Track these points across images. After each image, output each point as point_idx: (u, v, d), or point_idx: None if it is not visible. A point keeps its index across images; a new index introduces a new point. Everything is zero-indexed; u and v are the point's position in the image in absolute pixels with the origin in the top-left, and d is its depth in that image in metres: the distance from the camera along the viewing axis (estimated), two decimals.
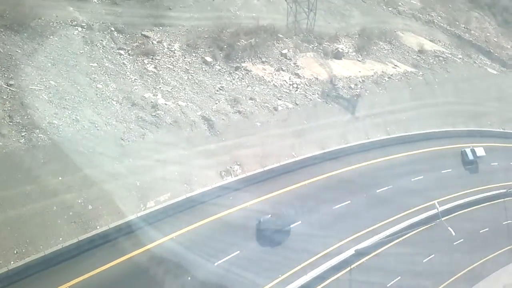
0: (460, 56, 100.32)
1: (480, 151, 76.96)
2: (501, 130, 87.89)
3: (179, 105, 57.99)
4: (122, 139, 51.06)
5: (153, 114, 55.12)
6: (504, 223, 74.94)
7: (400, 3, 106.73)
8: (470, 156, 76.33)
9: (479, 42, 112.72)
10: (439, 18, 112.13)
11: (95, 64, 58.44)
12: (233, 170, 54.32)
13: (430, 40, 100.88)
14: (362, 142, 66.56)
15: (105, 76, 57.59)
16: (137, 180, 49.02)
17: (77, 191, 45.89)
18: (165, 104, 57.07)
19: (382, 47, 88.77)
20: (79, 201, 45.35)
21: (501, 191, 75.37)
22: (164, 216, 47.82)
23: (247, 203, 52.70)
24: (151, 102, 56.38)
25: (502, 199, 76.84)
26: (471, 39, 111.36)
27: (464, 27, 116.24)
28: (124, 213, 45.79)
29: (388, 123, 72.27)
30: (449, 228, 50.14)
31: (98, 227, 44.05)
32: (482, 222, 71.59)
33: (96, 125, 51.22)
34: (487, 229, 71.63)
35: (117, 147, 50.60)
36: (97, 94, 54.56)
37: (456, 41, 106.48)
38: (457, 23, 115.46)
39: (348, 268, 55.22)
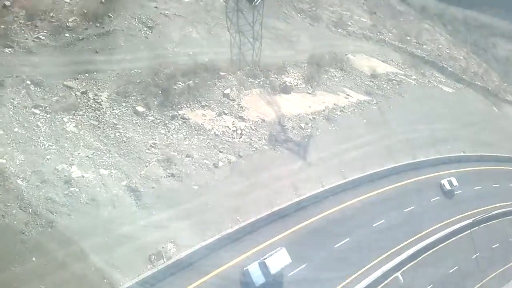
0: (414, 77, 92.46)
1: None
2: (462, 154, 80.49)
3: (100, 175, 47.46)
4: (23, 233, 40.25)
5: (65, 192, 44.38)
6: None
7: (349, 23, 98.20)
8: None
9: (431, 57, 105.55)
10: (390, 35, 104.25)
11: (1, 132, 47.46)
12: (166, 251, 44.25)
13: (383, 61, 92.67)
14: (316, 192, 57.47)
15: (11, 146, 46.67)
16: None
17: None
18: (82, 176, 46.43)
19: (333, 74, 79.90)
20: None
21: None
22: None
23: None
24: (65, 176, 45.67)
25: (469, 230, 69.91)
26: (423, 54, 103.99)
27: (415, 42, 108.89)
28: None
29: (343, 165, 63.39)
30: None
31: None
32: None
33: None
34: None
35: (14, 245, 39.70)
36: None
37: (409, 59, 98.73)
38: (408, 38, 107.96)
39: None
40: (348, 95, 76.82)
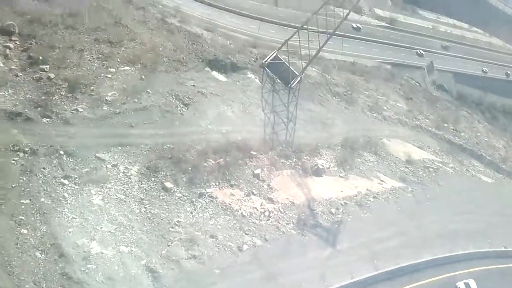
0: (451, 165, 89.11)
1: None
2: (503, 249, 74.78)
3: (119, 252, 45.55)
4: None
5: (82, 269, 42.45)
6: None
7: (385, 108, 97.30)
8: None
9: (469, 145, 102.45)
10: (427, 121, 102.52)
11: (27, 201, 46.81)
12: None
13: (419, 147, 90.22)
14: (345, 284, 53.44)
15: (36, 216, 45.75)
16: None
17: None
18: (101, 253, 44.61)
19: (367, 159, 77.72)
20: None
21: None
22: None
23: None
24: (84, 252, 43.95)
25: None
26: (461, 142, 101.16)
27: (453, 129, 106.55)
28: None
29: (375, 255, 59.43)
30: None
31: None
32: None
33: None
34: None
35: None
36: (17, 244, 42.46)
37: (446, 146, 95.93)
38: (445, 124, 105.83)
39: None
40: (382, 180, 74.03)
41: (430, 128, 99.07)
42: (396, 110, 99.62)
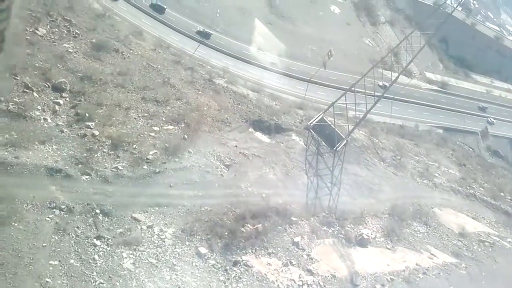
0: (509, 239, 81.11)
1: None
2: None
3: None
4: None
5: None
6: None
7: (436, 174, 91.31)
8: None
9: None
10: (481, 189, 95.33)
11: (56, 262, 44.74)
12: None
13: (473, 218, 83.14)
14: None
15: (62, 279, 43.46)
16: None
17: None
18: None
19: (416, 229, 71.80)
20: None
21: None
22: None
23: None
24: None
25: None
26: None
27: (510, 199, 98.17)
28: None
29: None
30: None
31: None
32: None
33: None
34: None
35: None
36: None
37: (503, 218, 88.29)
38: (502, 194, 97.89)
39: None
40: (432, 254, 67.66)
41: (485, 198, 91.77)
42: (448, 177, 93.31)
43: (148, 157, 59.47)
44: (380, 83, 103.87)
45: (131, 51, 75.21)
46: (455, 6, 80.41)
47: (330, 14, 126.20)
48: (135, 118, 64.33)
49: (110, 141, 59.12)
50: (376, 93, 76.57)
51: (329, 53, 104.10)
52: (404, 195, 79.18)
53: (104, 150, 58.14)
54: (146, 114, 65.53)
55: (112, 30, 77.43)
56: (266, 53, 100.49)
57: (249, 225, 57.84)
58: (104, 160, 57.10)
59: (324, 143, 79.03)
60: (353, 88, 78.01)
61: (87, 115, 60.62)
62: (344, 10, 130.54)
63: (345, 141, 79.55)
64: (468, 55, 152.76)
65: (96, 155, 57.00)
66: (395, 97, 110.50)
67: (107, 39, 74.22)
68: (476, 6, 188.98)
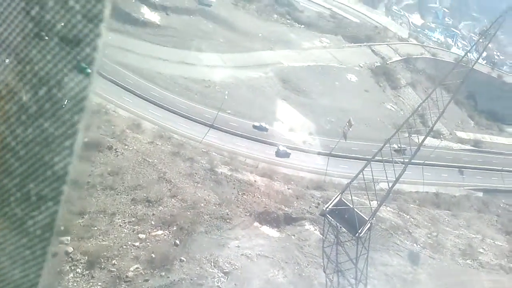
0: None
1: None
2: None
3: None
4: None
5: None
6: None
7: (481, 250, 73.62)
8: None
9: None
10: None
11: None
12: None
13: None
14: None
15: None
16: None
17: None
18: None
19: None
20: None
21: None
22: None
23: None
24: None
25: None
26: None
27: None
28: None
29: None
30: None
31: None
32: None
33: None
34: None
35: None
36: None
37: None
38: None
39: None
40: None
41: None
42: (495, 251, 75.21)
43: (128, 274, 47.05)
44: (396, 146, 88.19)
45: (126, 147, 65.04)
46: (475, 60, 67.04)
47: (347, 83, 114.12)
48: (120, 225, 52.70)
49: (86, 257, 47.49)
50: (404, 159, 62.67)
51: (349, 123, 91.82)
52: (445, 283, 62.50)
53: (78, 270, 46.46)
54: (133, 219, 53.84)
55: (108, 126, 68.07)
56: (280, 129, 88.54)
57: None
58: (75, 285, 45.11)
59: (344, 230, 64.26)
60: (377, 157, 64.82)
61: (62, 228, 49.30)
62: (362, 77, 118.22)
63: (369, 224, 64.64)
64: (498, 108, 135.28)
65: (68, 277, 45.27)
66: (425, 162, 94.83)
67: (101, 136, 64.74)
68: (501, 57, 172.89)
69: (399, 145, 75.40)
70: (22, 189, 6.97)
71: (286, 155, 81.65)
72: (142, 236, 51.91)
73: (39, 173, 6.69)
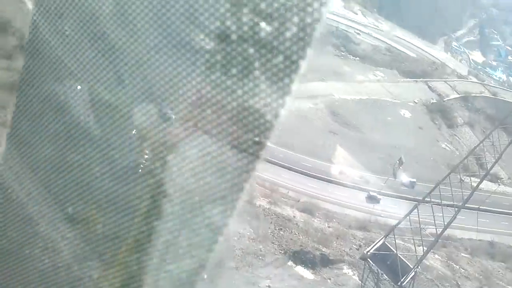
0: None
1: None
2: None
3: None
4: None
5: None
6: None
7: None
8: None
9: None
10: None
11: None
12: None
13: None
14: None
15: None
16: None
17: None
18: None
19: None
20: None
21: None
22: None
23: None
24: None
25: None
26: None
27: None
28: None
29: None
30: None
31: None
32: None
33: None
34: None
35: None
36: None
37: None
38: None
39: None
40: None
41: None
42: None
43: None
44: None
45: None
46: None
47: (400, 119, 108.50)
48: None
49: None
50: (457, 204, 57.00)
51: (400, 161, 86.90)
52: None
53: None
54: None
55: None
56: (328, 163, 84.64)
57: None
58: None
59: (385, 277, 58.72)
60: (427, 199, 59.50)
61: None
62: (416, 113, 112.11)
63: (413, 273, 58.67)
64: None
65: None
66: (480, 207, 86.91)
67: None
68: None
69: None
70: None
71: (376, 200, 78.43)
72: None
73: None
